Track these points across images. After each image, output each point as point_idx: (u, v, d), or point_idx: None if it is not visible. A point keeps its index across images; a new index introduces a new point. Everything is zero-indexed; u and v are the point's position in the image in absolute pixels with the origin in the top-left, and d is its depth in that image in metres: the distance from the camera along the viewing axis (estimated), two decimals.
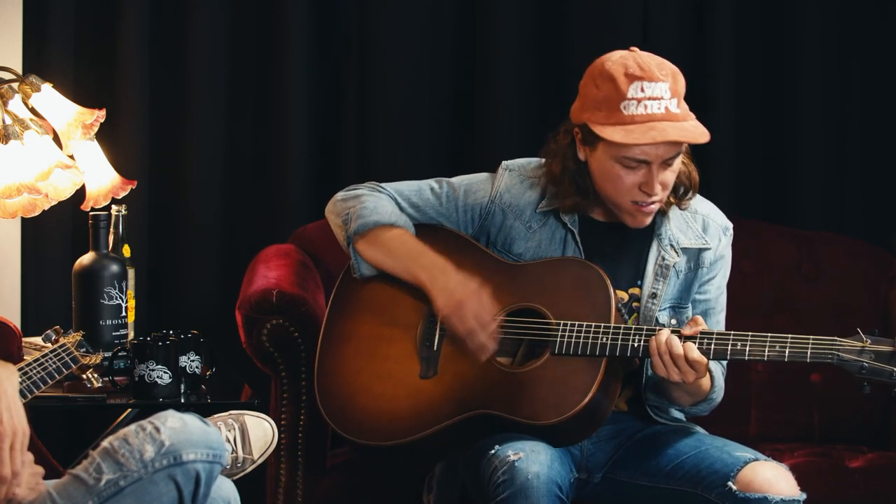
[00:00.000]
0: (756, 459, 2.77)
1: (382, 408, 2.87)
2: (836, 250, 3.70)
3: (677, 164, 2.82)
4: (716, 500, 2.75)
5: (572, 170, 2.86)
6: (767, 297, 3.63)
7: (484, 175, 3.00)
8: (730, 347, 2.73)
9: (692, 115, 2.82)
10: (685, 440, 2.89)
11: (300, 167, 3.85)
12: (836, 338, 2.69)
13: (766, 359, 2.71)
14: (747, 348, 2.72)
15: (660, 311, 2.90)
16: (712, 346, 2.74)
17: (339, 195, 3.02)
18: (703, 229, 2.94)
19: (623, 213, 2.85)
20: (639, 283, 2.91)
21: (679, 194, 2.89)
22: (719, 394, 2.91)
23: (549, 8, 3.91)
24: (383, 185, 3.01)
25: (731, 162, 3.91)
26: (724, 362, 2.93)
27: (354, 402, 2.89)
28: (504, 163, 3.00)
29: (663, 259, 2.90)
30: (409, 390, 2.86)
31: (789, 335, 2.71)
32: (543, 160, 2.94)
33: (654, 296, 2.89)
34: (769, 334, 2.72)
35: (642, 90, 2.75)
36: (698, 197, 2.96)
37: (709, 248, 2.94)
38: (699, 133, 2.78)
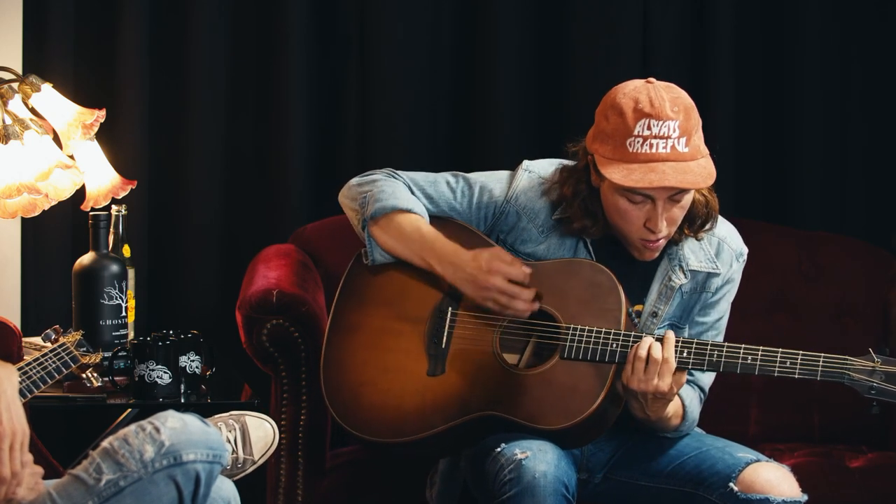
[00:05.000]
0: (758, 460, 2.77)
1: (388, 403, 2.85)
2: (836, 250, 3.70)
3: (687, 199, 2.76)
4: (717, 500, 2.75)
5: (584, 194, 2.82)
6: (767, 297, 3.63)
7: (503, 173, 2.95)
8: (740, 361, 2.71)
9: (704, 152, 2.75)
10: (686, 440, 2.89)
11: (300, 167, 3.85)
12: (847, 357, 2.67)
13: (776, 374, 2.70)
14: (758, 363, 2.70)
15: (658, 329, 2.87)
16: (722, 359, 2.72)
17: (355, 180, 2.98)
18: (715, 254, 2.89)
19: (630, 248, 2.82)
20: (644, 300, 2.89)
21: (695, 226, 2.84)
22: (691, 426, 2.90)
23: (549, 8, 3.90)
24: (399, 172, 2.97)
25: (731, 162, 3.91)
26: (706, 390, 2.93)
27: (360, 395, 2.88)
28: (525, 163, 2.95)
29: (669, 279, 2.86)
30: (416, 387, 2.85)
31: (800, 352, 2.69)
32: (563, 165, 2.91)
33: (654, 314, 2.87)
34: (780, 350, 2.70)
35: (649, 128, 2.69)
36: (720, 218, 2.90)
37: (718, 274, 2.89)
38: (702, 176, 2.71)
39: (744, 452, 2.80)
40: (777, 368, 2.70)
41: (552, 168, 2.93)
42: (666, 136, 2.69)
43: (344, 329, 2.93)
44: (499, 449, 2.70)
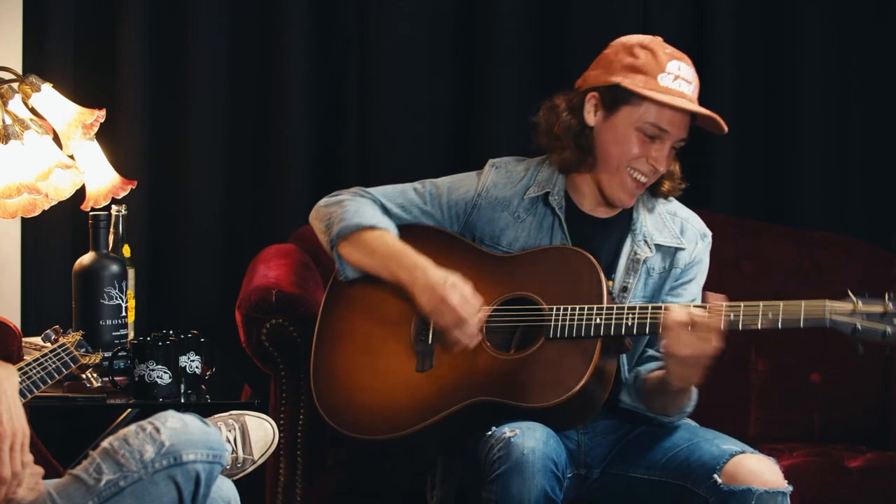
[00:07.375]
0: (743, 452, 2.78)
1: (381, 403, 2.88)
2: (836, 250, 3.70)
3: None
4: (704, 493, 2.77)
5: (576, 128, 2.91)
6: (767, 297, 3.60)
7: (471, 173, 3.04)
8: (723, 318, 2.72)
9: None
10: (680, 433, 2.91)
11: (300, 167, 3.85)
12: (826, 301, 2.69)
13: (759, 327, 2.71)
14: (741, 318, 2.72)
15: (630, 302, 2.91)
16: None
17: (323, 201, 3.05)
18: (680, 231, 2.98)
19: (614, 188, 2.90)
20: (612, 276, 2.92)
21: (665, 185, 2.97)
22: (692, 405, 2.93)
23: (549, 7, 3.91)
24: (368, 189, 3.03)
25: (731, 162, 3.91)
26: None
27: (352, 400, 2.90)
28: (491, 160, 3.04)
29: (635, 254, 2.93)
30: (407, 385, 2.87)
31: (781, 302, 2.72)
32: (529, 159, 3.01)
33: (624, 289, 2.92)
34: (761, 302, 2.72)
35: (679, 69, 2.89)
36: (679, 203, 3.02)
37: (684, 249, 2.96)
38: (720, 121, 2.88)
39: (730, 444, 2.81)
40: (760, 321, 2.72)
41: (518, 160, 3.04)
42: (690, 80, 2.90)
43: (331, 337, 2.97)
44: (490, 431, 2.72)
